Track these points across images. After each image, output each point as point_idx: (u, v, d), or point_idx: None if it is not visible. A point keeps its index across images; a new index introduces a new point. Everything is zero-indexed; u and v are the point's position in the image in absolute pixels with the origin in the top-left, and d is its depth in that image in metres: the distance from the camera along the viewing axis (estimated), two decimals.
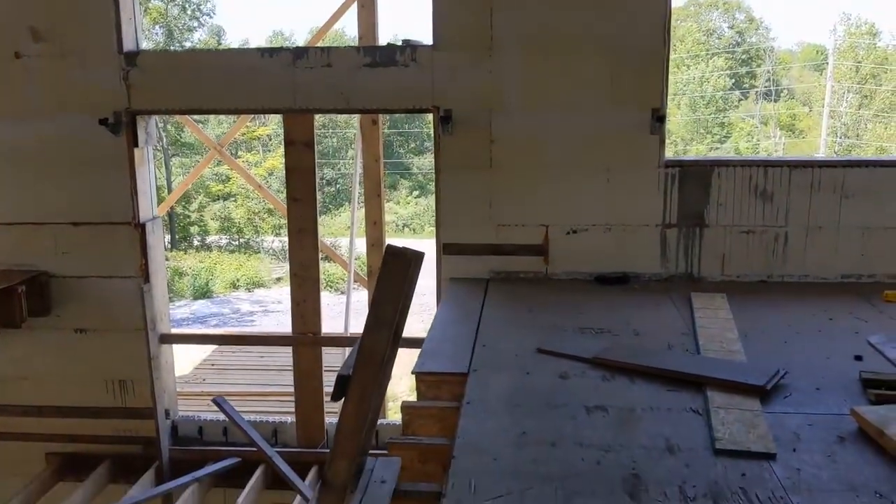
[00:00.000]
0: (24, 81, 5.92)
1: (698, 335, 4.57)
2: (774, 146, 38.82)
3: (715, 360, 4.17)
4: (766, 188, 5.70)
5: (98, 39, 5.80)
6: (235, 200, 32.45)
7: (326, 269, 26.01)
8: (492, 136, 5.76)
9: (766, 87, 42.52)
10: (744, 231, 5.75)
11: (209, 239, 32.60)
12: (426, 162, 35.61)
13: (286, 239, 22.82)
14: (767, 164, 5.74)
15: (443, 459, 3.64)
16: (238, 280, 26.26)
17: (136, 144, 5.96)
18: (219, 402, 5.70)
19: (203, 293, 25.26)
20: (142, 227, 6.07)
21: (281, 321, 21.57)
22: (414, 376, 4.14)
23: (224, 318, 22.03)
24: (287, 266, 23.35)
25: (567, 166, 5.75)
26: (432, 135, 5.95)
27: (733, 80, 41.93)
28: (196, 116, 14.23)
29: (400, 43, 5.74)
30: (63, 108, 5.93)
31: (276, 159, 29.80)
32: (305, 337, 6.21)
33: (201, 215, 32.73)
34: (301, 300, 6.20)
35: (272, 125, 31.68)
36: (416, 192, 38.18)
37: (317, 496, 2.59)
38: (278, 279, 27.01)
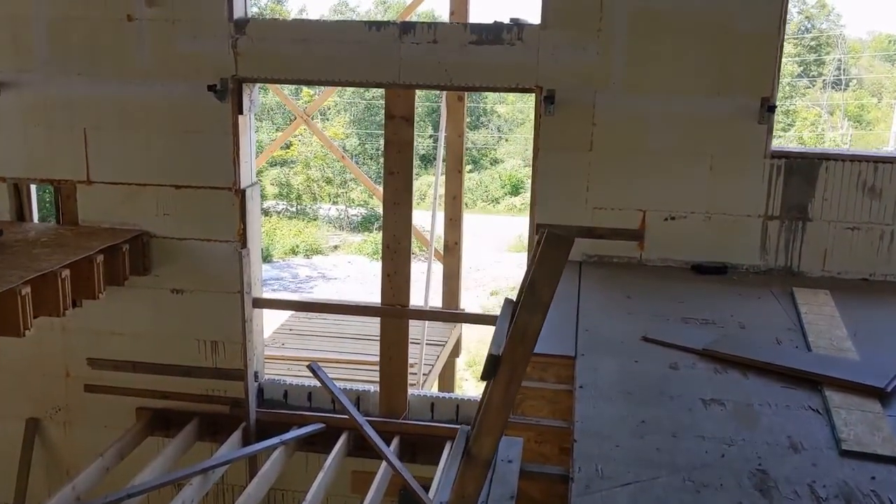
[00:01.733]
0: (135, 44, 6.04)
1: (806, 331, 4.51)
2: (841, 137, 37.75)
3: (828, 357, 4.11)
4: (875, 184, 5.57)
5: (209, 6, 5.88)
6: (293, 167, 32.78)
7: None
8: (594, 119, 5.72)
9: (834, 75, 41.26)
10: (848, 227, 5.63)
11: (266, 204, 33.00)
12: (480, 137, 35.42)
13: (342, 207, 23.03)
14: (878, 160, 5.59)
15: (559, 441, 3.68)
16: (297, 246, 26.59)
17: (240, 111, 6.05)
18: (314, 367, 5.81)
19: (263, 257, 25.62)
20: (242, 193, 6.19)
21: (339, 289, 21.85)
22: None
23: (283, 283, 22.37)
24: (343, 235, 23.46)
25: (669, 152, 5.68)
26: (533, 115, 5.92)
27: (801, 68, 40.78)
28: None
29: (507, 21, 5.70)
30: (171, 72, 6.04)
31: (335, 129, 29.94)
32: (394, 309, 6.28)
33: (259, 179, 33.09)
34: (392, 272, 6.26)
35: (337, 96, 31.77)
36: (468, 168, 38.08)
37: (459, 470, 2.64)
38: (335, 247, 27.30)
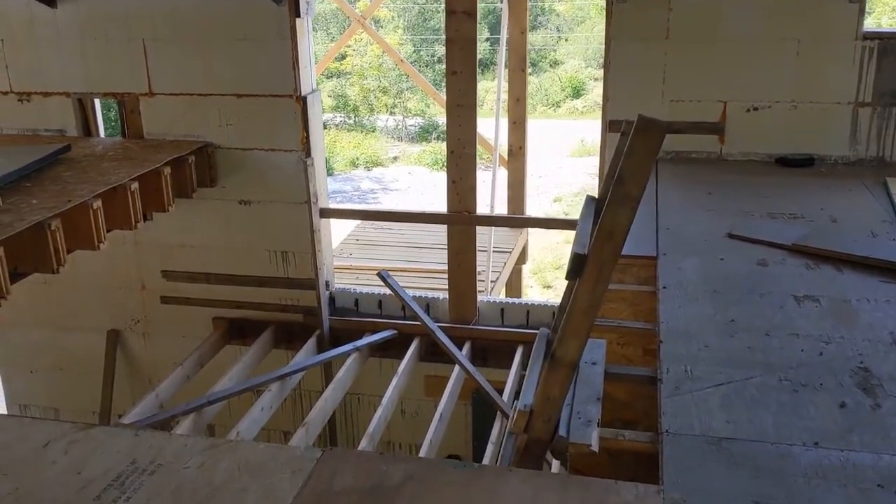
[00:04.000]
0: None
1: None
2: None
3: None
4: None
5: None
6: (349, 78, 32.41)
7: (443, 147, 25.97)
8: (670, 4, 5.36)
9: None
10: None
11: (324, 116, 32.77)
12: (538, 38, 34.24)
13: (400, 117, 22.75)
14: None
15: (643, 343, 3.56)
16: (357, 158, 26.53)
17: (297, 14, 5.86)
18: (384, 275, 5.78)
19: (324, 148, 25.50)
20: (303, 100, 6.05)
21: (401, 200, 21.81)
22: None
23: (347, 196, 22.42)
24: (402, 146, 23.21)
25: (752, 37, 5.31)
26: (596, 8, 5.57)
27: None
28: None
29: None
30: None
31: (389, 37, 29.34)
32: (461, 216, 6.15)
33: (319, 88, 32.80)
34: (457, 178, 6.11)
35: (389, 3, 31.01)
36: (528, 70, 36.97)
37: (543, 373, 2.54)
38: (394, 158, 27.15)
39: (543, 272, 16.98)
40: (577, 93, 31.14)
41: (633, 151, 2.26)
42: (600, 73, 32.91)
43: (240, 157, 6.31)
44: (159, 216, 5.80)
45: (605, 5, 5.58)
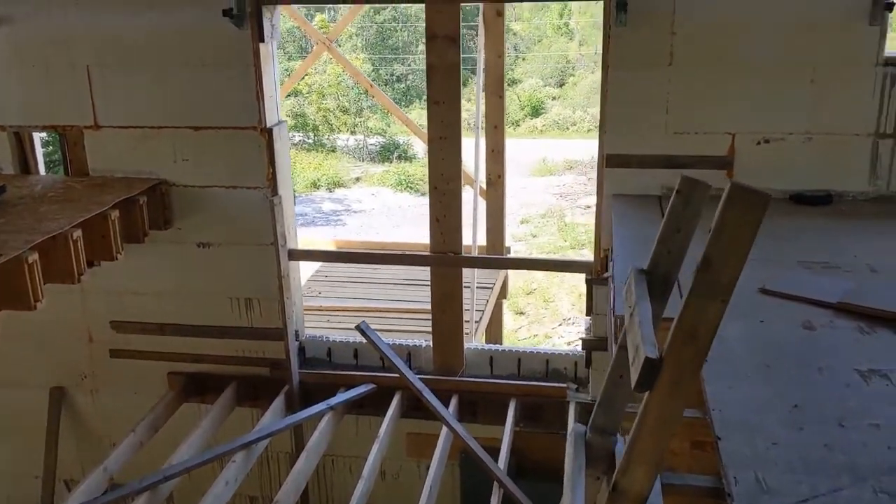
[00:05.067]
0: None
1: None
2: None
3: None
4: None
5: None
6: (307, 97, 31.76)
7: (405, 168, 25.45)
8: (673, 27, 4.89)
9: None
10: None
11: None
12: None
13: (361, 137, 22.28)
14: None
15: (689, 435, 3.03)
16: (319, 179, 25.84)
17: (261, 39, 5.27)
18: (363, 328, 5.19)
19: (291, 184, 24.85)
20: (268, 133, 5.46)
21: (366, 222, 21.22)
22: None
23: (309, 219, 21.72)
24: (363, 166, 22.69)
25: (763, 63, 4.87)
26: (602, 25, 5.09)
27: None
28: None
29: None
30: None
31: (350, 56, 28.81)
32: (447, 257, 5.60)
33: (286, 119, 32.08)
34: (441, 216, 5.56)
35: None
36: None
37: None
38: (357, 179, 26.55)
39: (514, 297, 16.47)
40: (535, 111, 30.96)
41: (726, 228, 1.75)
42: (558, 91, 32.91)
43: (197, 196, 5.68)
44: (108, 262, 5.14)
45: (602, 29, 5.11)
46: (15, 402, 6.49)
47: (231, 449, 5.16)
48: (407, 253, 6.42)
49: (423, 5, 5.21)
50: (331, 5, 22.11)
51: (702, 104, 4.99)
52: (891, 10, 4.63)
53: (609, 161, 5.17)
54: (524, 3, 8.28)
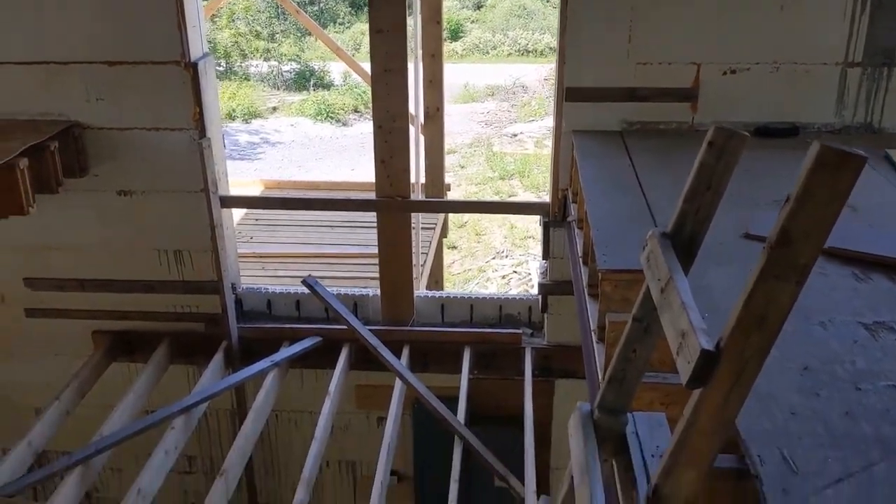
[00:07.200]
0: None
1: None
2: None
3: None
4: None
5: None
6: (217, 22, 30.20)
7: (323, 96, 24.58)
8: None
9: None
10: None
11: None
12: None
13: (275, 63, 21.31)
14: None
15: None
16: (234, 110, 24.70)
17: None
18: (310, 283, 4.82)
19: (220, 124, 23.65)
20: (193, 67, 4.91)
21: (286, 155, 20.47)
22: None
23: (226, 152, 20.82)
24: (280, 95, 21.78)
25: None
26: None
27: None
28: None
29: None
30: None
31: None
32: (394, 202, 5.23)
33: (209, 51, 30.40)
34: (387, 157, 5.16)
35: None
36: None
37: None
38: (274, 108, 25.53)
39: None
40: (455, 35, 30.21)
41: (812, 198, 1.46)
42: (477, 14, 32.11)
43: (116, 139, 5.11)
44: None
45: None
46: None
47: (169, 414, 4.78)
48: (352, 199, 6.00)
49: None
50: None
51: (666, 32, 4.68)
52: None
53: (568, 94, 4.85)
54: None
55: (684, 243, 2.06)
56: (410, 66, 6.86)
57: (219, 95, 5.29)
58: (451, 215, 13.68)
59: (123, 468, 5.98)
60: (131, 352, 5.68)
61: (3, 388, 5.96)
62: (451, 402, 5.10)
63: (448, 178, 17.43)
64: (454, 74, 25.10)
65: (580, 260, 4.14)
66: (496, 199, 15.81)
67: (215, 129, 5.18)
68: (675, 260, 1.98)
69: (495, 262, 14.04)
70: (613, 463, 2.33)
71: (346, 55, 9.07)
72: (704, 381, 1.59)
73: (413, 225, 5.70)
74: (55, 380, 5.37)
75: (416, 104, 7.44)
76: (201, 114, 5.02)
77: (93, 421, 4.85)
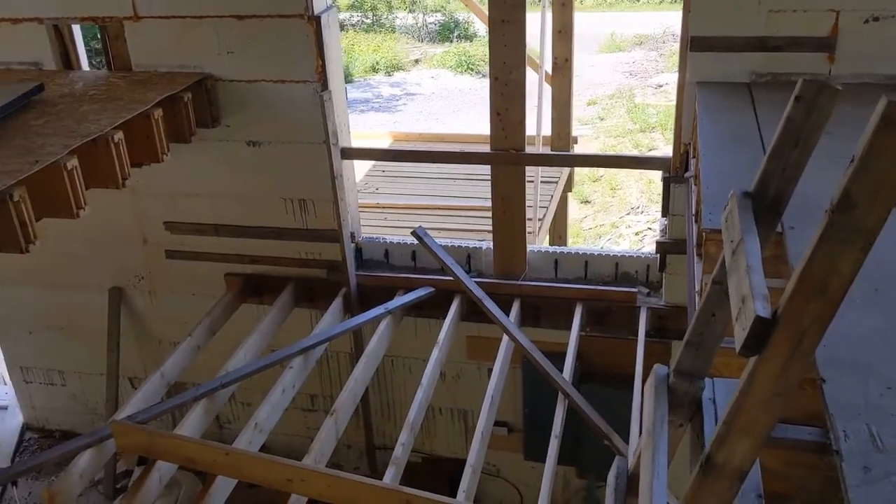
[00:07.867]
0: None
1: None
2: None
3: None
4: None
5: None
6: None
7: (465, 48, 24.53)
8: None
9: None
10: None
11: (339, 16, 31.04)
12: None
13: (421, 16, 21.30)
14: None
15: None
16: (377, 63, 25.13)
17: None
18: (419, 234, 4.91)
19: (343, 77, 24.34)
20: (316, 21, 5.04)
21: (425, 107, 20.67)
22: None
23: (369, 104, 21.23)
24: (423, 47, 21.85)
25: None
26: None
27: None
28: None
29: None
30: None
31: None
32: (508, 155, 5.20)
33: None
34: (503, 109, 5.13)
35: None
36: None
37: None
38: (416, 61, 25.76)
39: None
40: None
41: (878, 158, 1.35)
42: None
43: (244, 91, 5.35)
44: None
45: None
46: (76, 302, 6.50)
47: (289, 354, 5.04)
48: (465, 151, 6.01)
49: None
50: None
51: None
52: None
53: (693, 44, 4.62)
54: None
55: (769, 204, 1.94)
56: (538, 15, 6.73)
57: (341, 51, 5.39)
58: (584, 168, 13.48)
59: (252, 402, 6.37)
60: (260, 294, 6.00)
61: (145, 322, 6.47)
62: (561, 359, 5.09)
63: (585, 131, 17.14)
64: (602, 23, 24.42)
65: (693, 218, 3.99)
66: (635, 153, 15.36)
67: (337, 82, 5.31)
68: (751, 221, 1.88)
69: (629, 217, 13.70)
70: (689, 428, 2.27)
71: (474, 4, 8.99)
72: (758, 350, 1.51)
73: (531, 178, 5.65)
74: (191, 316, 5.77)
75: (542, 54, 7.31)
76: (324, 67, 5.16)
77: (221, 354, 5.20)
